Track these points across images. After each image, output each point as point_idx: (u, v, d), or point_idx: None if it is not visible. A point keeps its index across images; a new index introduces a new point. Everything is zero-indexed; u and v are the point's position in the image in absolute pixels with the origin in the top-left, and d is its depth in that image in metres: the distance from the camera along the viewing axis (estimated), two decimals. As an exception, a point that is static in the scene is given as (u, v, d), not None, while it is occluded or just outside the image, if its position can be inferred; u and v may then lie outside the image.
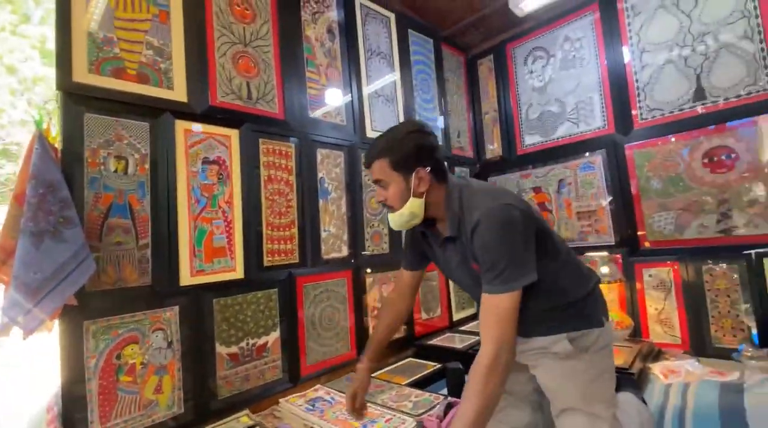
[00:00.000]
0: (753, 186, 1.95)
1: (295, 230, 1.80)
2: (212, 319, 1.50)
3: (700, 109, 2.09)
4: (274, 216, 1.73)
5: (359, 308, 2.04)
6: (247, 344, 1.60)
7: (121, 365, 1.28)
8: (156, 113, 1.42)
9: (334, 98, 2.06)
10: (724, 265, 1.96)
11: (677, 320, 2.08)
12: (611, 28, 2.41)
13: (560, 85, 2.67)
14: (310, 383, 1.78)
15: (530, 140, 2.84)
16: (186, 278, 1.45)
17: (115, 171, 1.32)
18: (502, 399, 1.21)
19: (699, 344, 1.97)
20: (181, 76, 1.49)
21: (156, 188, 1.40)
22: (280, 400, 1.63)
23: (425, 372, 1.92)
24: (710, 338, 1.96)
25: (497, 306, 0.94)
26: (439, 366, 1.96)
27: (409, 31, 2.59)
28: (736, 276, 1.93)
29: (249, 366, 1.60)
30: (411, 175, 1.03)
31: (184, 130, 1.49)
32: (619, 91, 2.38)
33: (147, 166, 1.39)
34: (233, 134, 1.63)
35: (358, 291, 2.05)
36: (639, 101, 2.32)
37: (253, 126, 1.69)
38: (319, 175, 1.92)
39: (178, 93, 1.48)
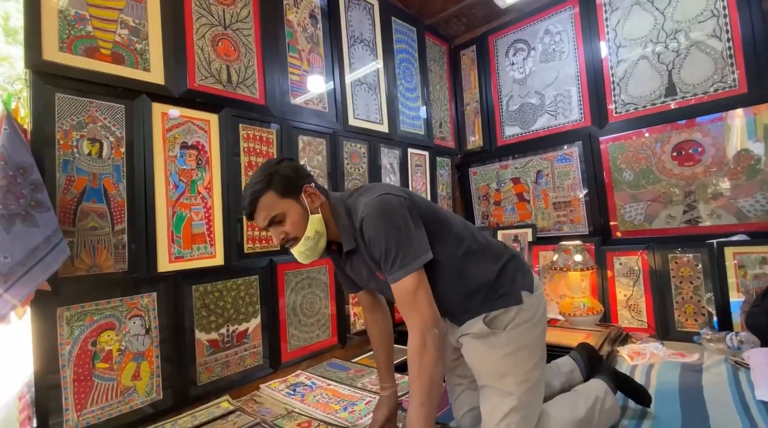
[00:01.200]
0: (717, 179, 2.05)
1: (276, 217, 1.79)
2: (191, 306, 1.49)
3: (673, 105, 2.17)
4: (254, 203, 1.71)
5: (341, 295, 2.06)
6: (228, 330, 1.60)
7: (97, 352, 1.26)
8: (132, 95, 1.37)
9: (317, 85, 2.04)
10: (689, 254, 2.07)
11: (644, 306, 2.18)
12: (589, 23, 2.47)
13: (540, 77, 2.72)
14: (291, 369, 1.79)
15: (510, 131, 2.89)
16: (164, 264, 1.43)
17: (89, 154, 1.28)
18: (457, 384, 1.28)
19: (663, 328, 2.08)
20: (158, 57, 1.45)
21: (132, 172, 1.36)
22: (261, 386, 1.64)
23: (404, 357, 1.95)
24: (674, 322, 2.07)
25: (404, 292, 0.96)
26: (418, 351, 2.01)
27: (393, 18, 2.57)
28: (698, 264, 2.03)
29: (229, 353, 1.60)
30: (300, 196, 1.04)
31: (161, 113, 1.45)
32: (596, 85, 2.44)
33: (122, 150, 1.35)
34: (212, 119, 1.60)
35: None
36: (614, 95, 2.39)
37: (233, 111, 1.67)
38: (301, 162, 1.91)
39: (155, 75, 1.44)
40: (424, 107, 2.78)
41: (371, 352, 2.09)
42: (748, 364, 1.56)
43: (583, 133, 2.49)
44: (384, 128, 2.41)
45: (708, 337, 1.86)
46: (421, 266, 0.96)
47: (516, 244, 2.69)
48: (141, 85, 1.39)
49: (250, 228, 1.70)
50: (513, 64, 2.86)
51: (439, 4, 2.76)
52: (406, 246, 0.95)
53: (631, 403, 1.37)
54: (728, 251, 1.93)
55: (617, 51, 2.37)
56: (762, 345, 1.60)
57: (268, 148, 1.78)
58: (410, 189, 2.57)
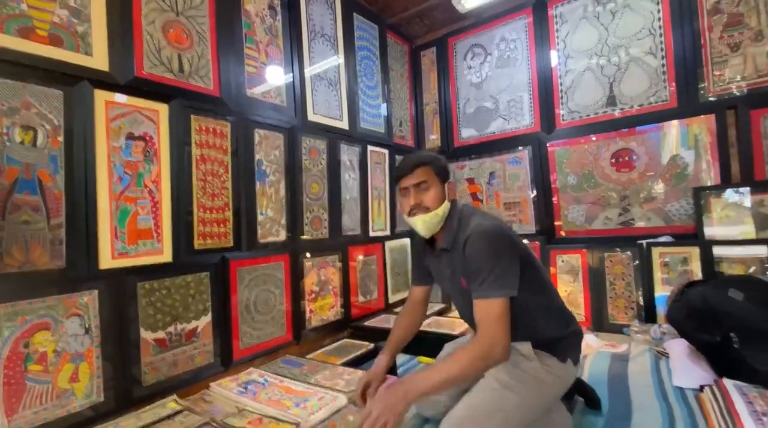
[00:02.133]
0: (648, 185, 2.25)
1: (229, 213, 1.75)
2: (136, 304, 1.43)
3: (617, 113, 2.34)
4: (206, 198, 1.67)
5: (296, 292, 2.05)
6: (176, 329, 1.55)
7: (29, 353, 1.18)
8: (71, 81, 1.29)
9: (275, 77, 2.00)
10: (625, 253, 2.25)
11: (582, 300, 2.36)
12: (542, 33, 2.60)
13: (495, 82, 2.83)
14: (243, 367, 1.77)
15: (466, 133, 2.99)
16: (106, 261, 1.36)
17: (22, 142, 1.19)
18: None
19: (598, 321, 2.26)
20: (101, 42, 1.36)
21: (71, 163, 1.28)
22: (211, 384, 1.61)
23: (359, 352, 1.99)
24: (607, 316, 2.26)
25: (489, 312, 1.07)
26: (372, 345, 2.05)
27: (354, 15, 2.57)
28: (630, 262, 2.22)
29: (177, 352, 1.55)
30: (445, 184, 1.25)
31: (105, 101, 1.37)
32: (546, 93, 2.58)
33: (60, 139, 1.26)
34: (162, 109, 1.54)
35: (296, 275, 2.06)
36: (562, 103, 2.54)
37: (184, 101, 1.60)
38: (257, 156, 1.88)
39: (98, 60, 1.35)
40: (385, 105, 2.81)
41: (327, 347, 2.11)
42: (668, 353, 1.74)
43: (533, 138, 2.62)
44: (344, 125, 2.41)
45: (636, 329, 2.05)
46: (509, 296, 1.08)
47: (469, 242, 2.80)
48: (82, 70, 1.31)
49: (201, 224, 1.65)
50: (470, 67, 2.95)
51: (400, 4, 2.79)
52: (502, 273, 1.08)
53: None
54: (655, 251, 2.12)
55: (566, 61, 2.52)
56: (680, 337, 1.78)
57: (222, 141, 1.74)
58: (369, 186, 2.60)
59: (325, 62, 2.31)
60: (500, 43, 2.81)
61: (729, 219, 1.97)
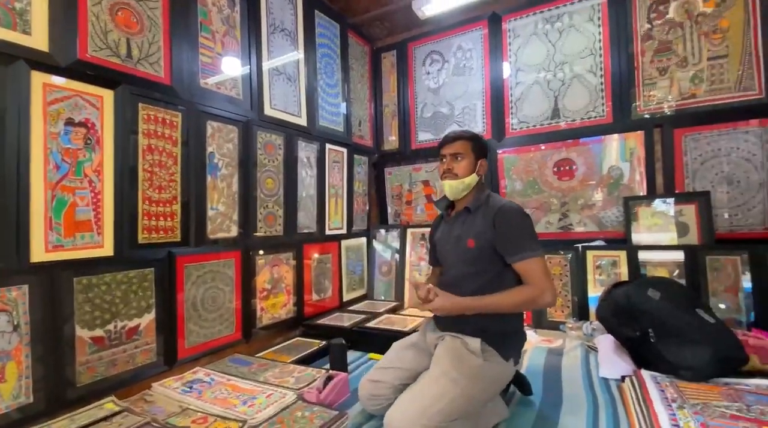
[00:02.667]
0: (585, 193, 2.44)
1: (177, 206, 1.69)
2: (72, 300, 1.35)
3: (563, 125, 2.51)
4: (153, 190, 1.60)
5: (247, 290, 2.02)
6: (116, 327, 1.48)
7: (-56, 353, 1.09)
8: (6, 60, 1.19)
9: (231, 69, 1.96)
10: (563, 256, 2.42)
11: (525, 299, 2.50)
12: (496, 45, 2.73)
13: (451, 89, 2.94)
14: (188, 365, 1.72)
15: (423, 136, 3.07)
16: (39, 254, 1.27)
17: (-58, 122, 1.09)
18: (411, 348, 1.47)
19: (538, 319, 2.41)
20: (41, 20, 1.27)
21: (2, 148, 1.19)
22: (153, 384, 1.55)
23: (310, 350, 2.00)
24: (546, 313, 2.41)
25: (537, 266, 1.28)
26: (324, 343, 2.06)
27: (316, 12, 2.56)
28: (567, 264, 2.40)
29: (117, 350, 1.48)
30: (478, 161, 1.44)
31: (42, 83, 1.28)
32: (497, 102, 2.72)
33: (-12, 121, 1.17)
34: (107, 95, 1.46)
35: (247, 272, 2.02)
36: (512, 113, 2.68)
37: (132, 88, 1.53)
38: (209, 149, 1.83)
39: (38, 40, 1.26)
40: (345, 104, 2.82)
41: (278, 346, 2.10)
42: (597, 348, 1.90)
43: (486, 144, 2.74)
44: (302, 121, 2.40)
45: (570, 326, 2.21)
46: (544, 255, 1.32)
47: (423, 243, 2.88)
48: (18, 49, 1.22)
49: (146, 217, 1.58)
50: (429, 73, 3.04)
51: (362, 5, 2.82)
52: (536, 239, 1.33)
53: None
54: (590, 254, 2.31)
55: (516, 73, 2.67)
56: (608, 333, 1.95)
57: (172, 131, 1.67)
58: (327, 184, 2.61)
59: (285, 57, 2.29)
60: (457, 51, 2.91)
61: (655, 226, 2.19)
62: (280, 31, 2.27)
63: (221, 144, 1.90)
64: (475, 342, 1.29)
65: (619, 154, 2.36)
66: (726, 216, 2.08)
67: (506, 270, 1.34)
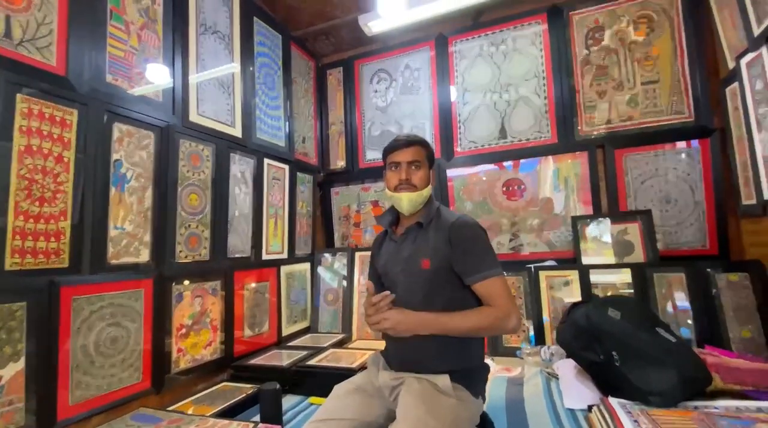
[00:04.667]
0: (533, 214, 2.41)
1: (66, 223, 1.35)
2: None
3: (510, 145, 2.49)
4: (31, 202, 1.26)
5: (160, 327, 1.66)
6: (-41, 385, 1.09)
7: None
8: None
9: (149, 67, 1.68)
10: (516, 277, 2.33)
11: (479, 325, 2.36)
12: (443, 66, 2.71)
13: (399, 108, 2.86)
14: (75, 427, 1.33)
15: (371, 155, 2.94)
16: None
17: None
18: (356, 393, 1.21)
19: (494, 345, 2.27)
20: None
21: None
22: (14, 460, 1.16)
23: (238, 398, 1.67)
24: (502, 339, 2.28)
25: (499, 287, 1.15)
26: (256, 388, 1.74)
27: (255, 19, 2.38)
28: (520, 285, 2.31)
29: (-43, 418, 1.08)
30: (429, 170, 1.31)
31: None
32: (446, 122, 2.67)
33: None
34: (-31, 79, 1.14)
35: (161, 306, 1.67)
36: (460, 133, 2.64)
37: (10, 75, 1.22)
38: (115, 156, 1.51)
39: None
40: (287, 118, 2.62)
41: (198, 394, 1.74)
42: (557, 374, 1.78)
43: (435, 164, 2.65)
44: (237, 132, 2.15)
45: (527, 351, 2.09)
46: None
47: (371, 267, 2.68)
48: None
49: (19, 236, 1.23)
50: (376, 91, 2.95)
51: (306, 18, 2.69)
52: (495, 257, 1.20)
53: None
54: (542, 274, 2.24)
55: (464, 94, 2.65)
56: (568, 357, 1.84)
57: (63, 131, 1.35)
58: (266, 203, 2.34)
59: (217, 60, 2.05)
60: (405, 70, 2.86)
61: (602, 245, 2.18)
62: (212, 33, 2.05)
63: (132, 151, 1.59)
64: (444, 380, 1.11)
65: (553, 182, 2.37)
66: (667, 233, 2.12)
67: (465, 294, 1.19)
